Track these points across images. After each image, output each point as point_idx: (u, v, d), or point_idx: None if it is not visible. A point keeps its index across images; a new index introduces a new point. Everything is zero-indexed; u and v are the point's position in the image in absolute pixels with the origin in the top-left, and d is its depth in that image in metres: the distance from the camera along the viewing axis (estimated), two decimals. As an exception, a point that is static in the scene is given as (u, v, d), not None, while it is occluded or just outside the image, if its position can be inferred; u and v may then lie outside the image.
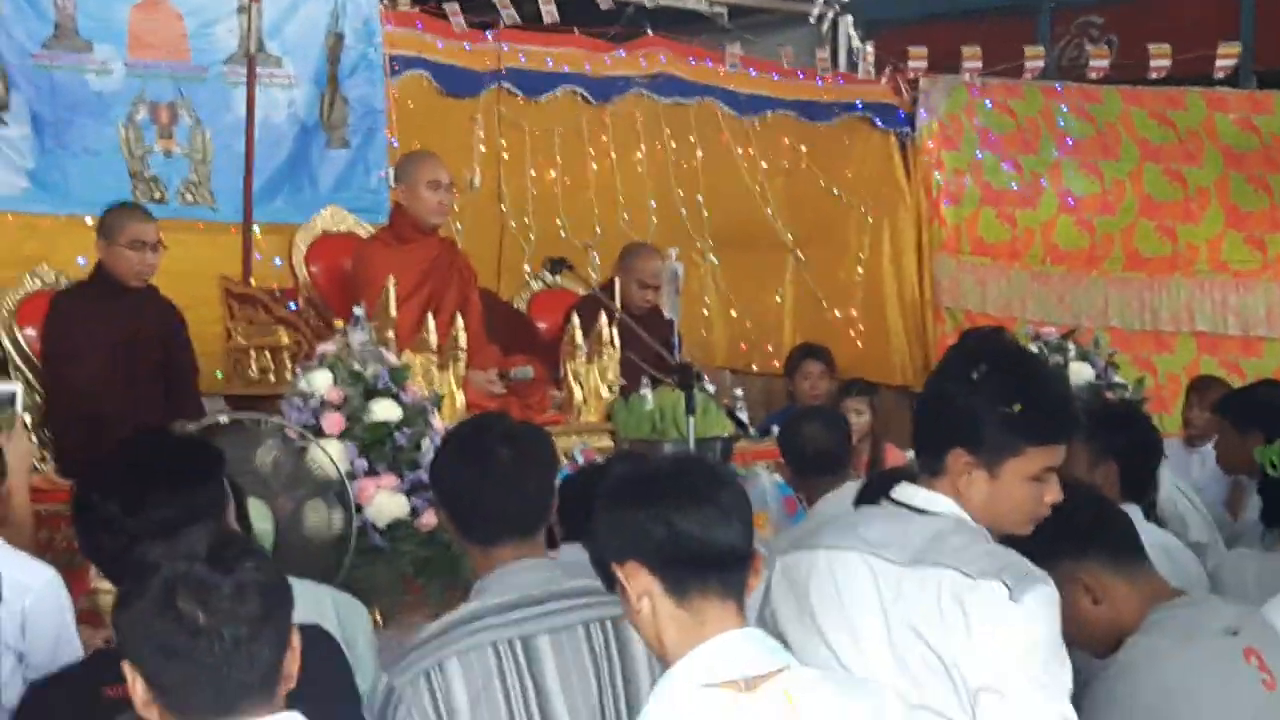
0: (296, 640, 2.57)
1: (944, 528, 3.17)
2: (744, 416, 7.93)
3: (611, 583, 2.84)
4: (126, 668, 2.50)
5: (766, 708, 2.66)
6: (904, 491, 3.28)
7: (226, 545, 2.52)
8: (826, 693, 2.73)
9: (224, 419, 5.67)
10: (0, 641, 4.53)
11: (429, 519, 5.57)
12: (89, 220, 7.50)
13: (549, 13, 10.17)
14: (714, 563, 2.75)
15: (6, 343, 7.12)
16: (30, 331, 7.13)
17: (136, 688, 2.49)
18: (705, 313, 11.03)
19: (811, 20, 12.44)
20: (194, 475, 3.34)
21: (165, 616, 2.42)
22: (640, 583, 2.76)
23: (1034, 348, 7.96)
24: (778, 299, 11.47)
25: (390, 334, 6.56)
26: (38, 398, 7.04)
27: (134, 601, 2.46)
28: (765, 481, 7.27)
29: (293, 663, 2.55)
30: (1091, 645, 3.72)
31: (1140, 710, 3.45)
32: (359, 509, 5.53)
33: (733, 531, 2.77)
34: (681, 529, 2.73)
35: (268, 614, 2.48)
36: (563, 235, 10.02)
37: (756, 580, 2.83)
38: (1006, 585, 3.02)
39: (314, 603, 3.96)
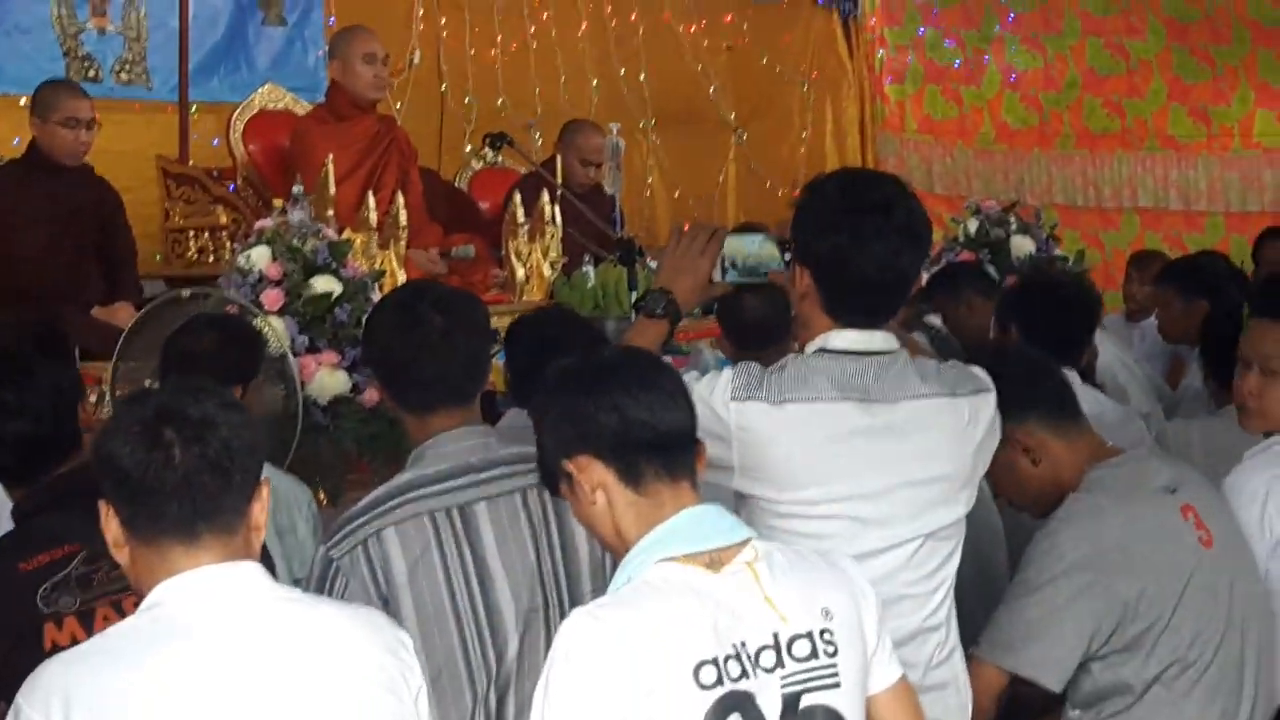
0: (266, 493, 2.59)
1: None
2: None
3: (556, 483, 2.83)
4: (101, 505, 2.52)
5: (731, 585, 2.66)
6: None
7: (206, 386, 2.57)
8: (791, 564, 2.75)
9: (185, 294, 5.61)
10: None
11: (371, 395, 5.53)
12: (21, 100, 7.37)
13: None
14: (665, 446, 2.75)
15: (-62, 221, 7.01)
16: (-36, 211, 7.01)
17: (110, 525, 2.52)
18: (648, 192, 10.99)
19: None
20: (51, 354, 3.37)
21: (136, 440, 2.46)
22: (594, 475, 2.75)
23: (975, 222, 7.95)
24: (720, 177, 11.43)
25: (330, 212, 6.49)
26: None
27: (103, 431, 2.51)
28: (708, 357, 7.26)
29: (262, 513, 2.57)
30: (1032, 504, 3.76)
31: (1078, 564, 3.49)
32: (301, 386, 5.49)
33: (680, 413, 2.78)
34: (632, 415, 2.73)
35: (233, 447, 2.50)
36: (503, 114, 9.93)
37: (702, 467, 2.83)
38: None
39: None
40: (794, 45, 11.81)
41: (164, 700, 2.38)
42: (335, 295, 5.67)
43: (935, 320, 6.45)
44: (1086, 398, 5.12)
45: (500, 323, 6.66)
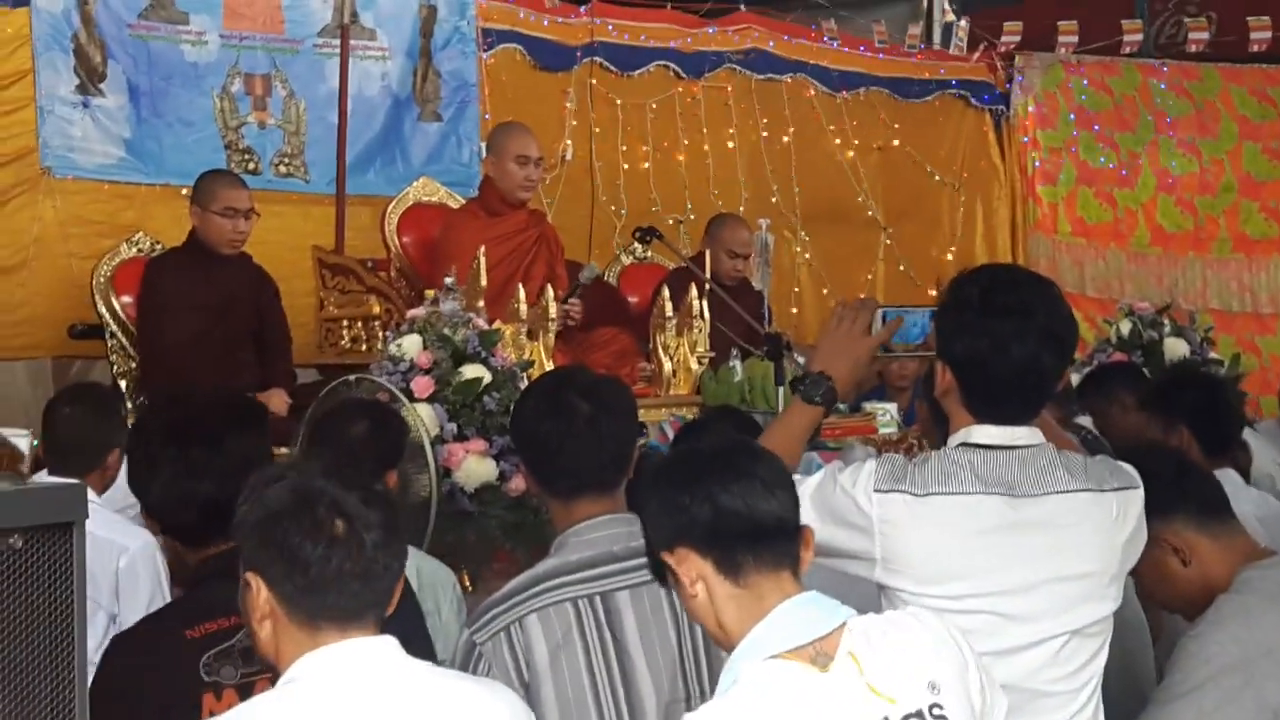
0: (404, 571, 2.65)
1: None
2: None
3: (664, 575, 2.82)
4: (250, 578, 2.56)
5: (840, 683, 2.63)
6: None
7: (341, 471, 2.62)
8: (889, 641, 2.70)
9: (352, 379, 5.72)
10: (93, 600, 4.60)
11: (518, 484, 5.58)
12: (184, 190, 7.54)
13: (640, -12, 10.18)
14: (762, 536, 2.72)
15: (103, 309, 7.19)
16: (126, 298, 7.20)
17: (259, 598, 2.56)
18: (796, 290, 10.99)
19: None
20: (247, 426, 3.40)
21: (303, 524, 2.50)
22: (693, 567, 2.73)
23: (1128, 323, 7.89)
24: (869, 277, 11.41)
25: (480, 303, 6.57)
26: (132, 364, 7.11)
27: (267, 507, 2.54)
28: (859, 455, 7.24)
29: (399, 592, 2.62)
30: (1182, 606, 3.70)
31: (1227, 667, 3.41)
32: (448, 473, 5.55)
33: (776, 502, 2.75)
34: (725, 505, 2.71)
35: (395, 528, 2.57)
36: (654, 210, 10.01)
37: (809, 554, 2.80)
38: None
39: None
40: (945, 146, 11.80)
41: None
42: (484, 383, 5.74)
43: (1086, 421, 6.39)
44: (1248, 497, 5.09)
45: (646, 415, 6.74)
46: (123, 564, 4.63)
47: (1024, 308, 3.19)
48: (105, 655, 3.17)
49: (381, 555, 2.55)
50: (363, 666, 2.54)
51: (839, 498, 3.15)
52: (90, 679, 3.00)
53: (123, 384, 7.13)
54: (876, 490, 3.14)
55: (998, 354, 3.17)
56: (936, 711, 2.66)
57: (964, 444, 3.22)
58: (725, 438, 3.14)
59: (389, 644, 2.59)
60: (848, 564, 3.19)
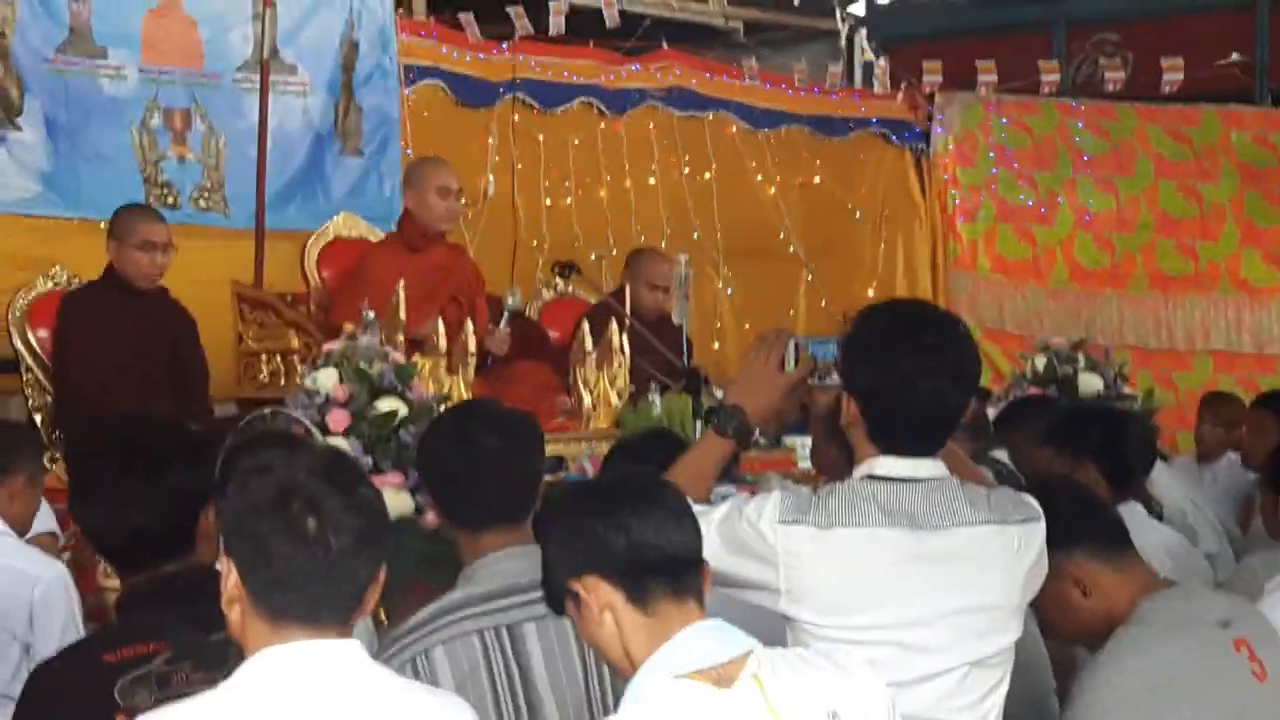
0: (382, 575, 2.62)
1: None
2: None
3: (561, 603, 2.82)
4: (224, 559, 2.57)
5: (741, 702, 2.65)
6: None
7: (342, 466, 2.61)
8: (794, 670, 2.74)
9: (267, 412, 5.69)
10: (7, 631, 4.57)
11: (434, 517, 5.57)
12: (102, 224, 7.49)
13: (557, 24, 10.20)
14: (672, 566, 2.74)
15: (19, 343, 7.14)
16: (42, 332, 7.15)
17: (229, 581, 2.56)
18: (719, 325, 11.04)
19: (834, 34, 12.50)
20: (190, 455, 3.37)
21: (276, 518, 2.50)
22: (602, 596, 2.74)
23: (1043, 358, 7.97)
24: (791, 313, 11.48)
25: (400, 337, 6.57)
26: (48, 398, 7.07)
27: (247, 497, 2.54)
28: (776, 490, 7.26)
29: (374, 595, 2.61)
30: (1084, 637, 3.73)
31: (1127, 699, 3.44)
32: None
33: (686, 534, 2.78)
34: (639, 536, 2.73)
35: (372, 535, 2.55)
36: (576, 245, 10.04)
37: (708, 586, 2.81)
38: None
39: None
40: (866, 183, 11.89)
41: None
42: (401, 417, 5.73)
43: (1002, 456, 6.44)
44: (1152, 532, 5.14)
45: (566, 450, 6.75)
46: (37, 594, 4.63)
47: (936, 346, 3.23)
48: (26, 683, 3.17)
49: (351, 560, 2.52)
50: (317, 668, 2.53)
51: (744, 529, 3.17)
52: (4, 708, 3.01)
53: (38, 418, 7.08)
54: (781, 522, 3.16)
55: (905, 389, 3.20)
56: None
57: (868, 476, 3.25)
58: (633, 469, 3.16)
59: (350, 648, 2.58)
60: (752, 595, 3.21)
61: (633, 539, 2.72)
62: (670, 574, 2.74)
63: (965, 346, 3.30)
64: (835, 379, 3.41)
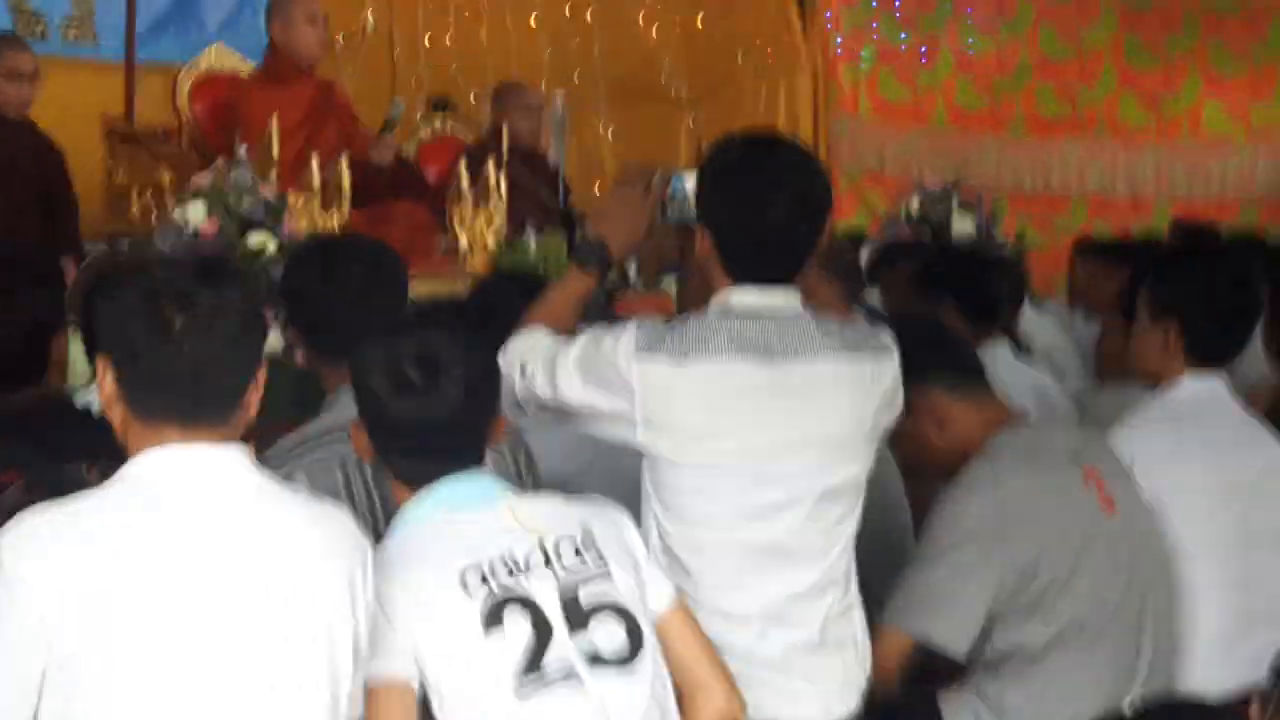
0: (263, 376, 2.64)
1: None
2: (632, 269, 7.94)
3: None
4: (99, 360, 2.57)
5: (485, 516, 2.88)
6: None
7: (216, 266, 2.59)
8: (546, 502, 3.00)
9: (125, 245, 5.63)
10: None
11: (302, 353, 5.54)
12: (-35, 55, 7.34)
13: None
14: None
15: (-121, 173, 7.00)
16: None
17: (105, 380, 2.56)
18: (600, 168, 10.99)
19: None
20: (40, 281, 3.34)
21: (144, 316, 2.50)
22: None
23: (917, 199, 8.00)
24: (674, 154, 11.43)
25: (273, 174, 6.50)
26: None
27: (119, 295, 2.54)
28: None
29: (255, 396, 2.62)
30: (936, 470, 3.80)
31: (977, 529, 3.53)
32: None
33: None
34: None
35: (241, 334, 2.55)
36: (454, 85, 9.94)
37: (496, 439, 3.03)
38: None
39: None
40: (748, 25, 11.82)
41: (122, 573, 2.42)
42: (270, 253, 5.68)
43: (873, 298, 6.50)
44: (1018, 372, 5.23)
45: (442, 289, 6.73)
46: None
47: (780, 174, 3.24)
48: None
49: (224, 357, 2.53)
50: (197, 469, 2.53)
51: (600, 362, 3.21)
52: None
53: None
54: (637, 352, 3.19)
55: (753, 217, 3.22)
56: (588, 542, 2.92)
57: (722, 308, 3.27)
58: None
59: (233, 451, 2.58)
60: (609, 427, 3.25)
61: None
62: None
63: (813, 174, 3.32)
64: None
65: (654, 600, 2.97)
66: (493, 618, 2.78)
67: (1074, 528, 3.58)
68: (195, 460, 2.53)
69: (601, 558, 2.91)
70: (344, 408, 3.41)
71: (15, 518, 2.46)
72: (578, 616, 2.84)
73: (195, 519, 2.50)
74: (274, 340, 5.59)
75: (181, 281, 2.52)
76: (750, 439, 3.20)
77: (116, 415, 2.58)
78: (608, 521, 2.98)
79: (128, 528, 2.47)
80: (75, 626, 2.38)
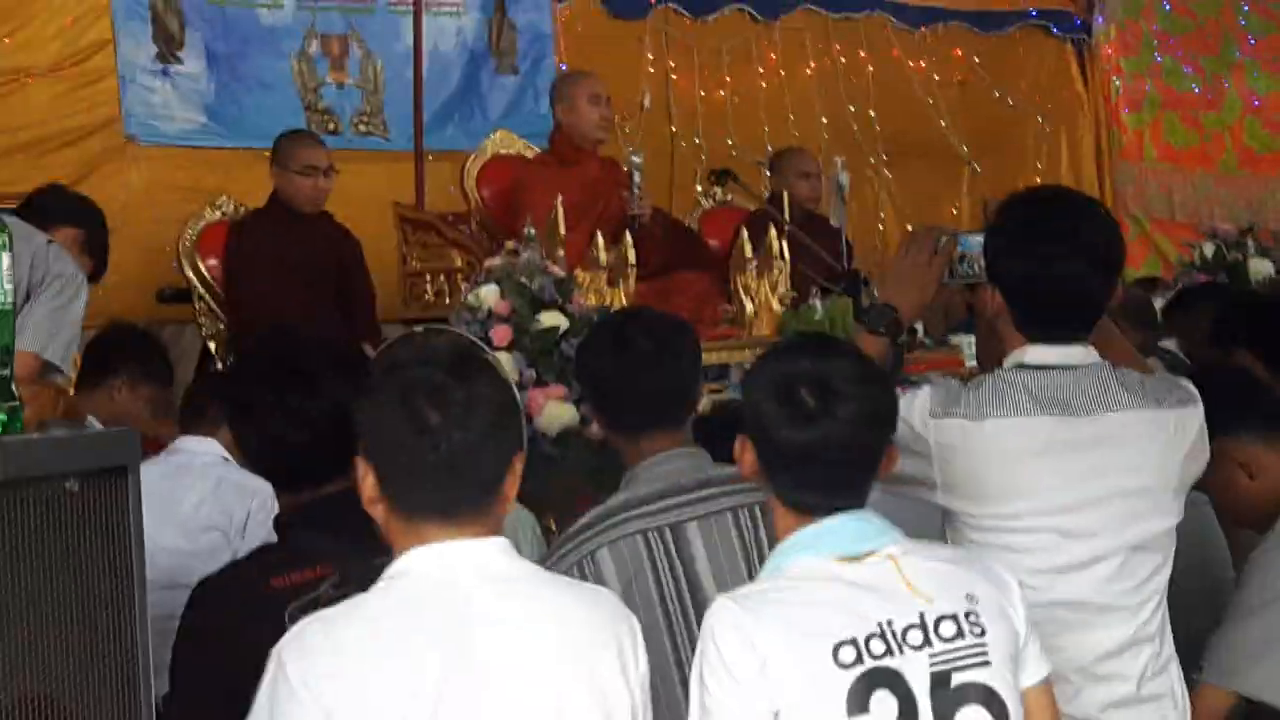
0: (520, 465, 2.64)
1: None
2: (919, 326, 7.89)
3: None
4: (360, 462, 2.61)
5: (876, 574, 2.71)
6: None
7: (467, 359, 2.63)
8: (932, 559, 2.79)
9: (418, 330, 5.76)
10: (223, 532, 4.71)
11: (598, 427, 5.62)
12: (265, 152, 7.61)
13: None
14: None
15: (189, 272, 7.30)
16: (212, 261, 7.30)
17: (367, 482, 2.60)
18: (880, 227, 10.97)
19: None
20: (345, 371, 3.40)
21: (400, 414, 2.53)
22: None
23: (1211, 245, 7.84)
24: (954, 211, 11.37)
25: (560, 252, 6.60)
26: (220, 326, 7.22)
27: (374, 397, 2.60)
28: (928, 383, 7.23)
29: (512, 487, 2.62)
30: (1252, 520, 3.71)
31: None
32: (529, 419, 5.60)
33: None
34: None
35: (495, 427, 2.57)
36: (733, 154, 10.01)
37: (888, 468, 2.85)
38: None
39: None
40: (1027, 76, 11.72)
41: (410, 662, 2.47)
42: (562, 330, 5.78)
43: (1170, 345, 6.37)
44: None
45: (730, 357, 6.77)
46: (254, 506, 4.77)
47: (1071, 229, 3.21)
48: (190, 602, 3.19)
49: (479, 450, 2.54)
50: (462, 564, 2.56)
51: (899, 425, 3.19)
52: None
53: (211, 346, 7.24)
54: (933, 415, 3.17)
55: (1043, 273, 3.19)
56: (972, 619, 2.71)
57: (1018, 365, 3.24)
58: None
59: (494, 544, 2.60)
60: (910, 490, 3.23)
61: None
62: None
63: (1103, 227, 3.28)
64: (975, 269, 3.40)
65: (1026, 677, 2.79)
66: (860, 696, 2.64)
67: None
68: (458, 555, 2.56)
69: (982, 638, 2.72)
70: (643, 483, 3.45)
71: (297, 625, 2.53)
72: (946, 704, 2.67)
73: (461, 613, 2.52)
74: (569, 414, 5.70)
75: (435, 377, 2.55)
76: (1052, 496, 3.16)
77: (379, 514, 2.61)
78: (994, 589, 2.79)
79: (398, 628, 2.50)
80: None
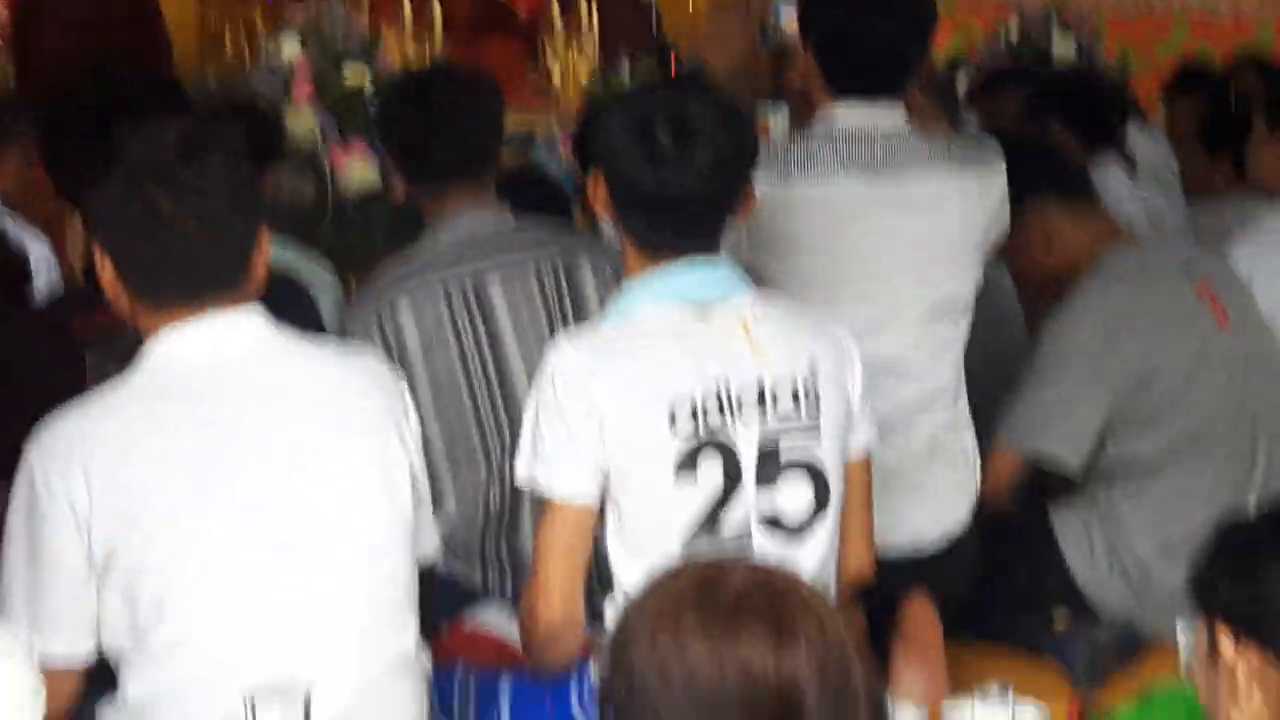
0: (266, 243, 2.56)
1: None
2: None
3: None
4: (96, 251, 2.52)
5: (716, 328, 2.68)
6: None
7: (196, 139, 2.51)
8: (778, 320, 2.76)
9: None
10: None
11: (400, 186, 5.54)
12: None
13: None
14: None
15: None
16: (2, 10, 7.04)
17: (105, 270, 2.51)
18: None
19: None
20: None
21: (131, 200, 2.44)
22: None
23: (1016, 23, 7.86)
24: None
25: (365, 8, 6.46)
26: (7, 74, 6.98)
27: (105, 186, 2.49)
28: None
29: (259, 261, 2.54)
30: (1048, 288, 3.75)
31: (1088, 341, 3.50)
32: (332, 177, 5.50)
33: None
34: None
35: (229, 208, 2.48)
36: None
37: (745, 215, 2.82)
38: None
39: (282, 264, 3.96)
40: None
41: (165, 448, 2.41)
42: (367, 88, 5.65)
43: (972, 125, 6.41)
44: (1132, 194, 5.17)
45: (536, 124, 6.70)
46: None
47: None
48: None
49: (214, 229, 2.46)
50: (216, 340, 2.49)
51: None
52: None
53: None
54: None
55: (855, 26, 3.17)
56: (809, 386, 2.70)
57: (826, 127, 3.24)
58: None
59: (250, 315, 2.53)
60: None
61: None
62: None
63: None
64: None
65: (852, 445, 2.81)
66: (688, 462, 2.63)
67: (1187, 339, 3.54)
68: (209, 331, 2.48)
69: (816, 407, 2.70)
70: (442, 235, 3.42)
71: (43, 423, 2.44)
72: (769, 472, 2.67)
73: (218, 387, 2.47)
74: (371, 173, 5.60)
75: (164, 158, 2.46)
76: (856, 255, 3.17)
77: (123, 303, 2.52)
78: (836, 358, 2.76)
79: (151, 414, 2.44)
80: (112, 525, 2.37)
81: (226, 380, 2.48)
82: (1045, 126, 5.07)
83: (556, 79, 7.19)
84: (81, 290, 3.34)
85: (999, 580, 3.50)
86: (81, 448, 2.40)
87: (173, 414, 2.44)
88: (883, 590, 2.91)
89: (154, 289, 2.49)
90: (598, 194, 2.75)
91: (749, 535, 2.67)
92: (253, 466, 2.44)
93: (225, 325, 2.50)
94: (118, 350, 2.83)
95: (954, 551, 3.34)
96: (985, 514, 3.42)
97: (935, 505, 3.30)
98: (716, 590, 1.58)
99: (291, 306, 3.06)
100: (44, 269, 4.59)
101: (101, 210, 2.51)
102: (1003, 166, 3.33)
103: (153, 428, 2.43)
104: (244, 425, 2.46)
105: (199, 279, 2.48)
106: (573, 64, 7.23)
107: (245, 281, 2.53)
